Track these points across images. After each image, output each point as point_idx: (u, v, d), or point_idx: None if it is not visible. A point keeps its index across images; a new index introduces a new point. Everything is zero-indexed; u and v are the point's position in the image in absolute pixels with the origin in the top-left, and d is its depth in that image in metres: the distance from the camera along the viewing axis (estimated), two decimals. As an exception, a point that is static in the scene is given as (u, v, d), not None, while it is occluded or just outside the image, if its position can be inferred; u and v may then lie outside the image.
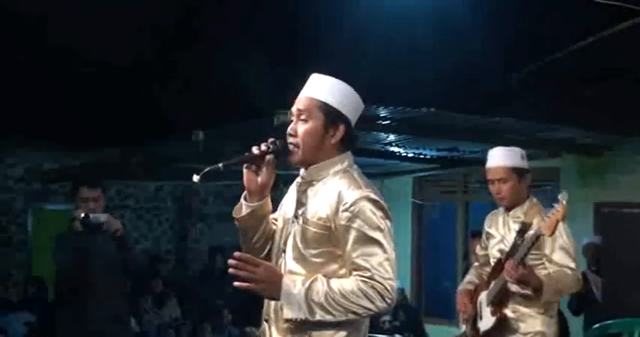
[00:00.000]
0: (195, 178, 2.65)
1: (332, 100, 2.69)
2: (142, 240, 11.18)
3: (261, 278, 2.54)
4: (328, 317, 2.51)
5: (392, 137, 7.28)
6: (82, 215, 4.71)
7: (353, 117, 2.74)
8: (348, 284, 2.52)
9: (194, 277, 11.07)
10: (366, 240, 2.55)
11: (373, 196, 2.60)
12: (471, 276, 4.80)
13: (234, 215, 2.82)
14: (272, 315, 2.70)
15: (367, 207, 2.57)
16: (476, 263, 4.86)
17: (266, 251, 2.82)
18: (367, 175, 2.79)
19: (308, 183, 2.74)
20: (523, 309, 4.31)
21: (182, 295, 10.01)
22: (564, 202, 4.01)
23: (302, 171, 2.79)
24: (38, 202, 10.51)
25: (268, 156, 2.71)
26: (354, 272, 2.55)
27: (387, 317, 8.90)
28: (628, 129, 7.06)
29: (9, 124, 7.72)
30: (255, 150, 2.72)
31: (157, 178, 10.75)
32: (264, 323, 2.75)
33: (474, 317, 4.58)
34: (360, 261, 2.54)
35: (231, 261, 2.53)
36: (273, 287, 2.54)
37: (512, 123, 6.60)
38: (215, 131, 6.59)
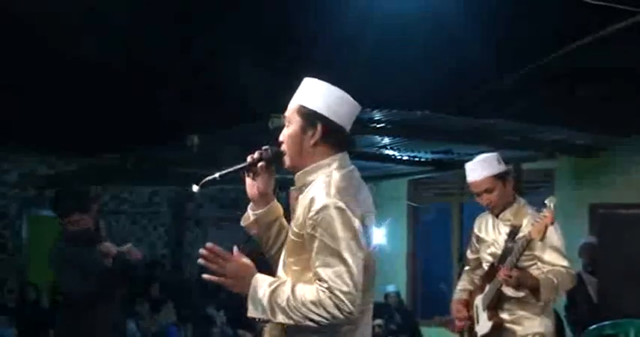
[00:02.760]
0: (195, 188, 2.74)
1: (308, 102, 2.69)
2: (138, 245, 11.11)
3: (229, 274, 2.57)
4: (289, 321, 2.52)
5: (386, 140, 7.28)
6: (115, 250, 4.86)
7: (336, 115, 2.69)
8: (310, 292, 2.49)
9: (190, 282, 11.05)
10: (326, 250, 2.50)
11: (340, 204, 2.52)
12: (463, 283, 4.80)
13: (242, 223, 2.87)
14: None
15: (331, 216, 2.51)
16: (467, 267, 4.87)
17: None
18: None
19: (299, 189, 2.73)
20: (520, 312, 4.31)
21: (178, 300, 9.99)
22: (552, 207, 4.02)
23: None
24: (33, 208, 10.48)
25: (260, 164, 2.75)
26: (316, 282, 2.52)
27: (379, 321, 8.90)
28: (623, 129, 7.08)
29: (3, 130, 7.70)
30: (248, 158, 2.77)
31: (151, 183, 10.74)
32: (266, 325, 2.75)
33: (471, 322, 4.58)
34: (320, 271, 2.50)
35: (202, 251, 2.59)
36: (242, 283, 2.57)
37: (506, 125, 6.60)
38: (209, 135, 6.58)
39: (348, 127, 2.73)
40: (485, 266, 4.51)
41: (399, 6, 5.03)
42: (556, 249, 4.23)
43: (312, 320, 2.49)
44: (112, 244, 4.97)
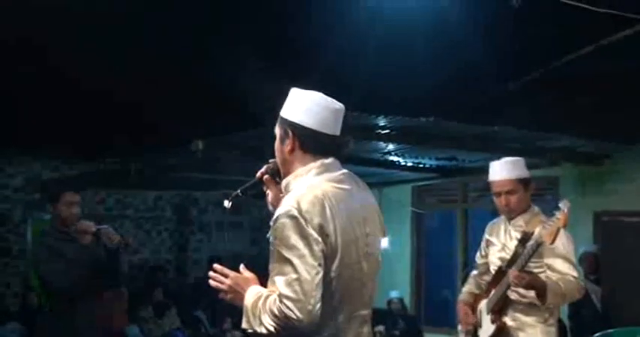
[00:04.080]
0: (227, 203, 2.92)
1: (284, 112, 2.76)
2: (142, 249, 11.18)
3: (228, 289, 2.69)
4: (265, 331, 2.52)
5: (391, 146, 7.30)
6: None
7: (311, 121, 2.68)
8: (272, 302, 2.51)
9: (193, 286, 11.05)
10: (280, 258, 2.51)
11: (292, 212, 2.52)
12: (469, 286, 4.81)
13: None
14: None
15: (284, 225, 2.52)
16: (474, 272, 4.87)
17: None
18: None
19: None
20: (523, 318, 4.31)
21: (182, 304, 9.99)
22: (565, 210, 4.01)
23: None
24: (37, 212, 10.49)
25: (265, 177, 2.89)
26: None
27: (380, 328, 8.89)
28: (627, 137, 7.07)
29: (8, 134, 7.72)
30: (258, 173, 2.91)
31: (156, 188, 10.76)
32: None
33: (475, 326, 4.58)
34: (275, 279, 2.52)
35: (210, 273, 2.74)
36: (238, 297, 2.66)
37: (511, 132, 6.61)
38: (214, 140, 6.59)
39: (331, 131, 2.69)
40: (493, 270, 4.51)
41: (402, 13, 5.03)
42: (568, 260, 4.24)
43: (275, 329, 2.49)
44: (91, 222, 4.99)
